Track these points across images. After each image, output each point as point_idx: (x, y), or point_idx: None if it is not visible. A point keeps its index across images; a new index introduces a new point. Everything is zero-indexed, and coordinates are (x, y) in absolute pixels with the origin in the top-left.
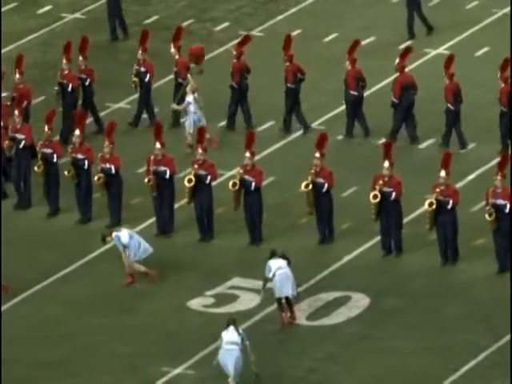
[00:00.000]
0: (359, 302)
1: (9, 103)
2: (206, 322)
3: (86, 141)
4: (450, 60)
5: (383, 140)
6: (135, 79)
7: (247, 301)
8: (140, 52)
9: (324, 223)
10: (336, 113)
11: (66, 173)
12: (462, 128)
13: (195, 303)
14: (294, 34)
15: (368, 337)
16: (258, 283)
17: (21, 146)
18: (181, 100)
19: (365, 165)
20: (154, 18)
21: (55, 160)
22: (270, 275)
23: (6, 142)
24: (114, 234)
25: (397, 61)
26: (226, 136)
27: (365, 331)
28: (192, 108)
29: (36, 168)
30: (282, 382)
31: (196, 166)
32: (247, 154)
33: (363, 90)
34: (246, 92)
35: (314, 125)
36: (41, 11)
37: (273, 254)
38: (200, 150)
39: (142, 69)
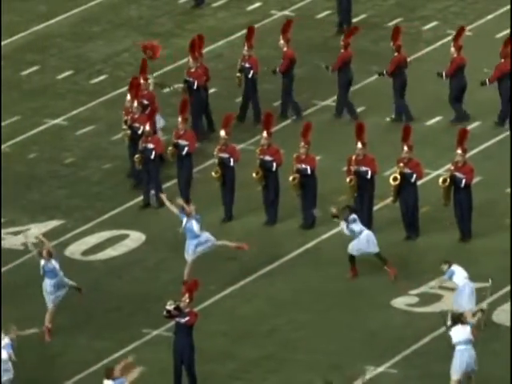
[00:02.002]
0: None
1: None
2: (409, 321)
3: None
4: None
5: None
6: (239, 75)
7: (452, 301)
8: (245, 48)
9: None
10: None
11: (253, 175)
12: None
13: (399, 302)
14: (503, 33)
15: None
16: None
17: (184, 152)
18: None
19: None
20: (362, 16)
21: (232, 164)
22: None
23: (170, 148)
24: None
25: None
26: (429, 133)
27: None
28: None
29: (213, 173)
30: (486, 381)
31: (401, 165)
32: (459, 151)
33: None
34: (351, 82)
35: None
36: (250, 8)
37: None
38: (406, 148)
39: (247, 65)
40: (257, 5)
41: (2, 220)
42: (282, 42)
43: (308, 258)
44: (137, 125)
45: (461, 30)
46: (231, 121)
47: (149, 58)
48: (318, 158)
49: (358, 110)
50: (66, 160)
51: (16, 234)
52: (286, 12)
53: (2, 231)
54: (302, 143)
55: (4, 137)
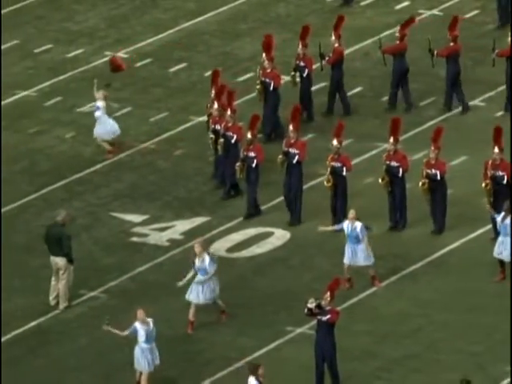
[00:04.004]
0: None
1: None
2: None
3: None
4: None
5: None
6: (293, 73)
7: None
8: (300, 47)
9: None
10: None
11: (379, 180)
12: None
13: None
14: None
15: None
16: None
17: (294, 161)
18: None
19: None
20: None
21: (344, 173)
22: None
23: (280, 156)
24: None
25: None
26: None
27: None
28: (99, 114)
29: (325, 182)
30: None
31: None
32: (432, 148)
33: None
34: (407, 73)
35: None
36: (398, 7)
37: None
38: None
39: (302, 63)
40: (405, 4)
41: (147, 216)
42: (333, 38)
43: (452, 259)
44: (230, 133)
45: None
46: (343, 129)
47: (113, 70)
48: (462, 158)
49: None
50: (212, 157)
51: (161, 230)
52: (435, 11)
53: (147, 227)
54: (432, 148)
55: (150, 133)
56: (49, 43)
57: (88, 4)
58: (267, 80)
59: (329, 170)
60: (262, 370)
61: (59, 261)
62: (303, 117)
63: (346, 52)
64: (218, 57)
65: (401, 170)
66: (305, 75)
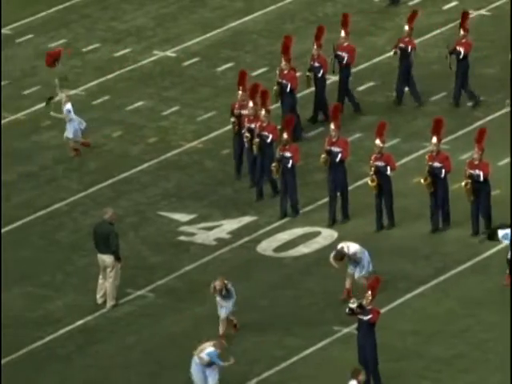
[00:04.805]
0: None
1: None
2: None
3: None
4: None
5: None
6: (308, 74)
7: None
8: (315, 47)
9: None
10: None
11: (422, 181)
12: None
13: None
14: None
15: None
16: None
17: (337, 159)
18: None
19: None
20: None
21: (388, 173)
22: None
23: (323, 155)
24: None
25: None
26: None
27: None
28: (72, 115)
29: (369, 181)
30: None
31: None
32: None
33: None
34: (411, 67)
35: None
36: (446, 7)
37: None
38: None
39: (316, 64)
40: (453, 4)
41: (194, 215)
42: (343, 35)
43: (499, 260)
44: (265, 133)
45: None
46: (385, 129)
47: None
48: (509, 158)
49: None
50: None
51: (209, 229)
52: (483, 11)
53: (195, 226)
54: (476, 149)
55: (197, 133)
56: (96, 42)
57: (136, 3)
58: (284, 81)
59: (373, 169)
60: (362, 376)
61: (106, 258)
62: (321, 118)
63: (392, 53)
64: (266, 56)
65: (443, 170)
66: (320, 76)
